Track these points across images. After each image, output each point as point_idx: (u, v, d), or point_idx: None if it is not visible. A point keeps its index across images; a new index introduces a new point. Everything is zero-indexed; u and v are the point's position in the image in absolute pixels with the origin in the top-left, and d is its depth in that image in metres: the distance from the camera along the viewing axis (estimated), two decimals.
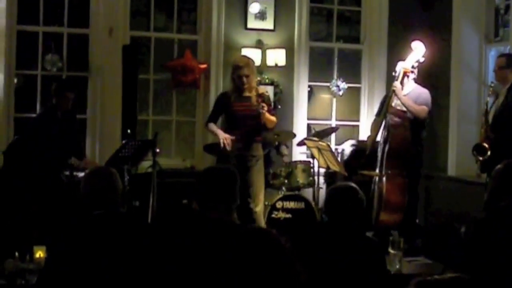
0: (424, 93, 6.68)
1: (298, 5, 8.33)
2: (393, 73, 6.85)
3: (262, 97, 6.38)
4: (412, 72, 6.68)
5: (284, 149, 7.82)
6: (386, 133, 6.64)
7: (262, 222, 6.54)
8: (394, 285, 4.03)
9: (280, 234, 2.33)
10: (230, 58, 8.05)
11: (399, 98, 6.57)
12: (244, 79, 6.34)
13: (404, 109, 6.62)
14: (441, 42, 8.10)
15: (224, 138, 6.33)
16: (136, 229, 3.55)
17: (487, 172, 6.11)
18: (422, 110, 6.55)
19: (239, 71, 6.38)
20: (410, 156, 6.52)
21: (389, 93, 6.71)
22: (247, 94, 6.39)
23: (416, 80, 6.78)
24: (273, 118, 6.44)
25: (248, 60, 6.50)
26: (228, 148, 6.30)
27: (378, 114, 6.96)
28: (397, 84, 6.59)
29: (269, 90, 7.65)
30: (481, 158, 6.13)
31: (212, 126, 6.56)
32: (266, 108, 6.27)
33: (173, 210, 6.97)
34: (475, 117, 7.86)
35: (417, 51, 6.62)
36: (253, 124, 6.40)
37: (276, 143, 7.76)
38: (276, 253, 2.22)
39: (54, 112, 6.67)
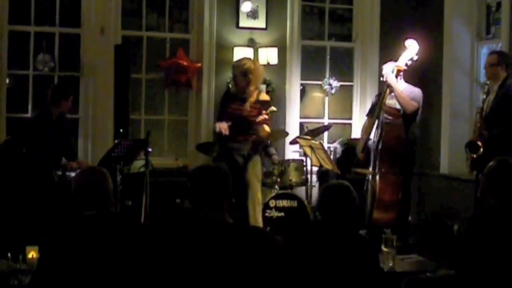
0: (416, 91, 6.69)
1: (289, 3, 8.33)
2: (381, 78, 6.88)
3: (263, 104, 6.38)
4: (405, 70, 6.68)
5: (272, 150, 7.75)
6: (379, 131, 6.65)
7: (258, 220, 6.53)
8: (387, 283, 4.03)
9: (273, 232, 2.33)
10: (222, 57, 8.06)
11: (393, 88, 6.55)
12: (233, 79, 6.42)
13: (398, 107, 6.63)
14: (433, 40, 8.11)
15: (220, 125, 6.35)
16: (128, 229, 3.54)
17: (476, 169, 6.12)
18: (412, 104, 6.55)
19: (231, 71, 6.48)
20: (403, 154, 6.53)
21: (383, 90, 6.71)
22: (244, 96, 6.40)
23: (407, 79, 6.78)
24: (267, 129, 6.44)
25: (239, 62, 6.56)
26: (225, 132, 6.30)
27: (369, 114, 6.96)
28: (389, 75, 6.58)
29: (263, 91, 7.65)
30: (474, 156, 6.13)
31: (217, 123, 6.58)
32: (261, 118, 6.27)
33: (166, 209, 6.96)
34: (467, 115, 7.87)
35: (411, 49, 6.63)
36: (244, 125, 6.41)
37: (269, 141, 7.74)
38: (270, 251, 2.22)
39: (49, 114, 6.64)
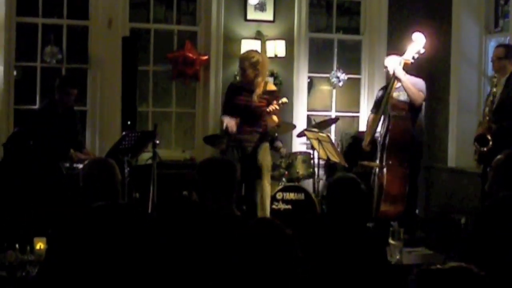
0: (419, 81, 6.68)
1: None
2: (384, 69, 6.88)
3: (270, 94, 6.38)
4: (412, 63, 6.67)
5: (278, 144, 7.73)
6: (386, 125, 6.64)
7: (266, 212, 6.53)
8: (395, 276, 4.03)
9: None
10: (230, 49, 8.06)
11: (402, 81, 6.52)
12: (241, 72, 6.42)
13: (404, 99, 6.62)
14: (441, 33, 8.09)
15: (228, 122, 6.36)
16: (136, 220, 3.55)
17: (484, 163, 6.10)
18: (419, 95, 6.56)
19: (239, 63, 6.48)
20: (410, 147, 6.52)
21: (389, 83, 6.69)
22: (251, 88, 6.41)
23: (410, 71, 6.77)
24: (275, 119, 6.45)
25: (248, 55, 6.54)
26: (232, 129, 6.31)
27: (374, 110, 6.95)
28: (398, 68, 6.56)
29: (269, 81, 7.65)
30: (484, 149, 6.10)
31: (224, 117, 6.57)
32: (272, 108, 6.27)
33: (173, 201, 6.97)
34: (475, 108, 7.85)
35: (418, 42, 6.61)
36: (253, 116, 6.40)
37: (276, 134, 7.74)
38: (279, 243, 2.22)
39: (55, 106, 6.66)
